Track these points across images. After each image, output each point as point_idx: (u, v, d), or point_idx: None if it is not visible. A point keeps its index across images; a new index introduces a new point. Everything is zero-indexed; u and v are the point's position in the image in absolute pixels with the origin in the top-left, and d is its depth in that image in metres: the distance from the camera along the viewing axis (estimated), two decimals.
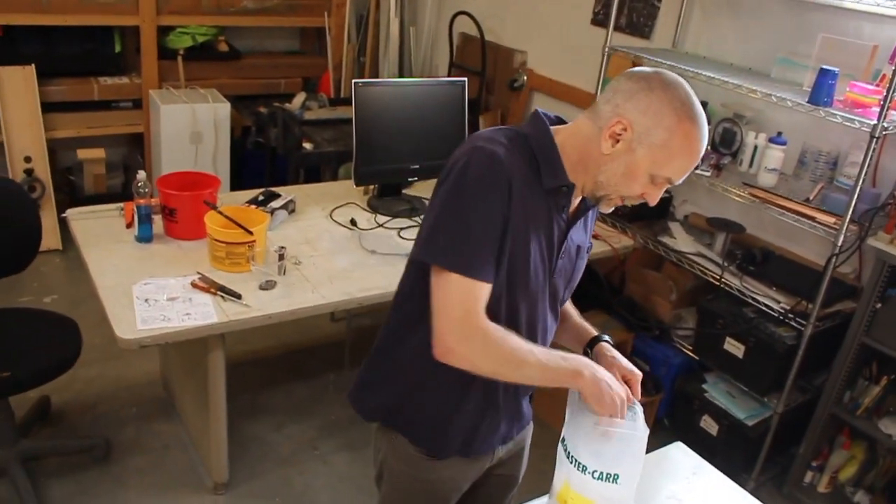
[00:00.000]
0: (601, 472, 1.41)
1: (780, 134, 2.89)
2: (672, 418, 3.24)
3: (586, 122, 1.42)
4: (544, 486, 1.56)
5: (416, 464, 1.63)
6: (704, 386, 3.08)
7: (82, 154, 3.96)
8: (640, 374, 1.58)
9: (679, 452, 2.03)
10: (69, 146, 4.07)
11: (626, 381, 1.55)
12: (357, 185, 2.98)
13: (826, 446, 2.96)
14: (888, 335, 2.65)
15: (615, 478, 1.41)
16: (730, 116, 3.12)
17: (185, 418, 2.97)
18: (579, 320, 1.74)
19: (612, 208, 1.47)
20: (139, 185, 2.60)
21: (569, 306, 1.76)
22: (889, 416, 2.75)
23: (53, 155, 4.16)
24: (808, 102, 2.62)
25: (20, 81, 3.66)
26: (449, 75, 4.32)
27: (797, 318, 2.71)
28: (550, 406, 2.32)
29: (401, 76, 4.51)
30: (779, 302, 2.78)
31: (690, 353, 3.14)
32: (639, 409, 1.49)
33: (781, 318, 2.75)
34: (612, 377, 1.45)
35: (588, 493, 1.43)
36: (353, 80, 2.85)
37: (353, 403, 1.67)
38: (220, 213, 2.53)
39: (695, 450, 3.09)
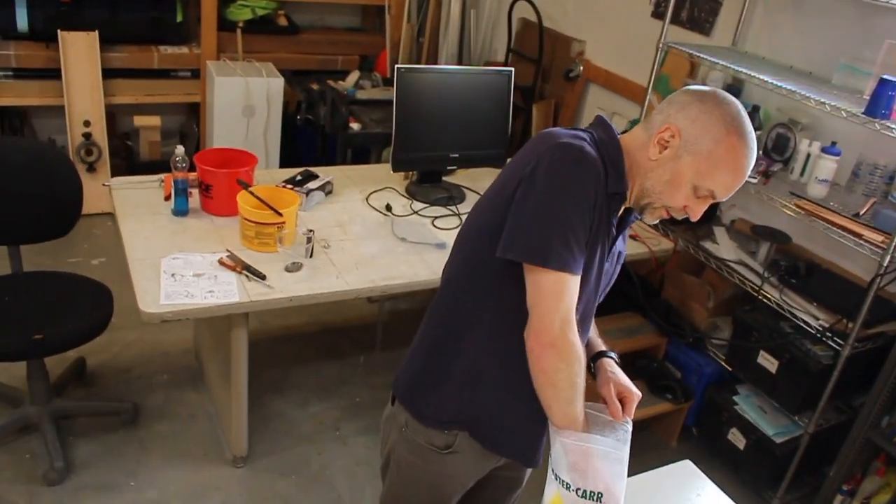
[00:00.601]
0: (584, 491, 1.40)
1: (834, 144, 2.76)
2: (700, 427, 3.16)
3: (640, 131, 1.47)
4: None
5: (426, 456, 1.64)
6: (735, 398, 2.99)
7: (138, 121, 4.06)
8: (638, 393, 1.57)
9: (686, 471, 1.98)
10: (128, 112, 4.18)
11: (621, 399, 1.54)
12: (394, 170, 2.98)
13: (860, 471, 2.85)
14: None
15: (598, 496, 1.40)
16: (784, 122, 2.99)
17: (211, 390, 3.04)
18: (592, 333, 1.73)
19: (657, 220, 1.49)
20: (177, 159, 2.65)
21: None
22: None
23: (113, 120, 4.29)
24: (864, 114, 2.49)
25: (83, 47, 3.76)
26: (506, 61, 4.26)
27: (835, 338, 2.60)
28: None
29: (460, 59, 4.47)
30: (818, 319, 2.67)
31: (724, 364, 3.05)
32: (627, 428, 1.46)
33: (819, 335, 2.64)
34: None
35: None
36: (396, 66, 2.83)
37: (409, 409, 1.63)
38: (252, 193, 2.55)
39: (720, 462, 3.06)
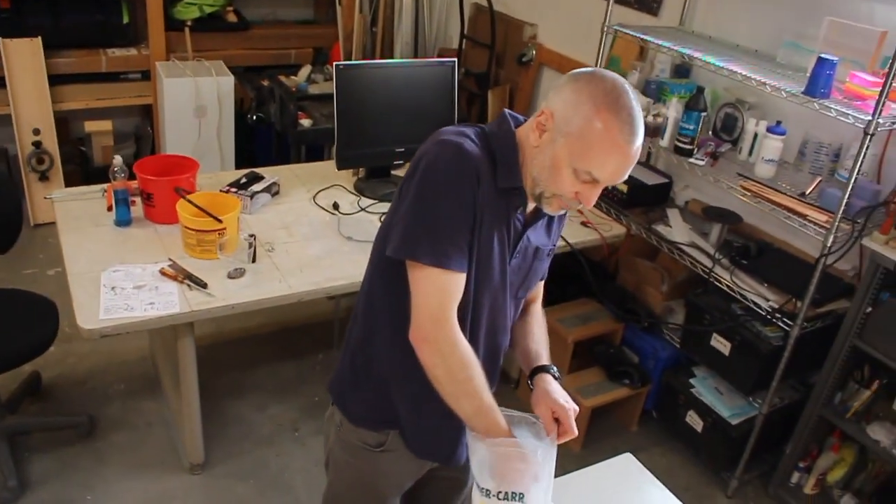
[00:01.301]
0: (505, 493, 1.40)
1: (779, 123, 2.74)
2: (659, 411, 3.17)
3: (531, 120, 1.43)
4: None
5: (359, 454, 1.65)
6: (692, 381, 3.00)
7: (90, 126, 4.00)
8: (573, 407, 1.51)
9: (628, 465, 1.98)
10: (80, 117, 4.12)
11: (556, 417, 1.48)
12: (339, 168, 2.95)
13: (815, 447, 2.87)
14: (879, 339, 2.52)
15: (520, 497, 1.40)
16: (732, 101, 2.98)
17: (167, 397, 3.02)
18: (536, 346, 1.67)
19: (558, 211, 1.46)
20: (115, 169, 2.61)
21: (536, 328, 1.71)
22: (878, 422, 2.63)
23: (66, 126, 4.23)
24: (803, 93, 2.47)
25: (27, 54, 3.70)
26: (460, 48, 4.21)
27: (784, 319, 2.60)
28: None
29: (415, 47, 4.42)
30: (767, 300, 2.67)
31: (679, 347, 3.06)
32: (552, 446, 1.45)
33: (769, 317, 2.64)
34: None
35: None
36: (335, 63, 2.79)
37: (341, 409, 1.65)
38: (189, 201, 2.53)
39: (680, 444, 3.08)
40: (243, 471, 2.80)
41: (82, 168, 4.17)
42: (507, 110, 1.50)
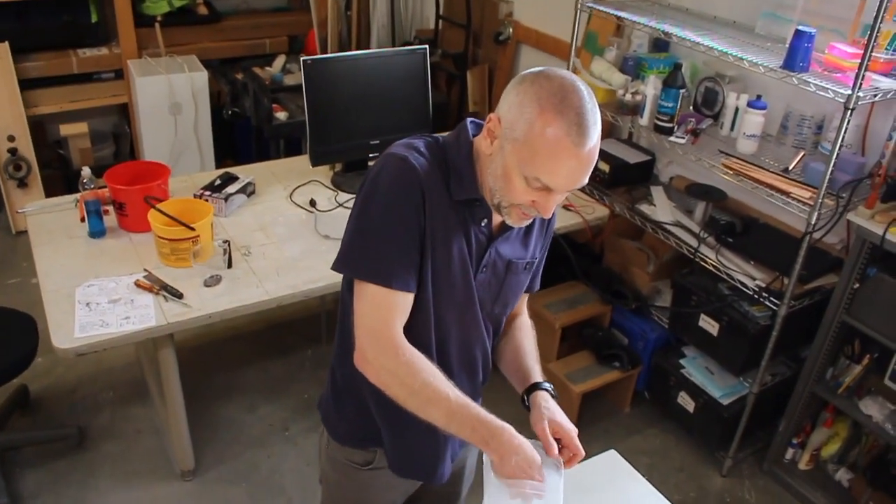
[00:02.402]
0: None
1: (759, 97, 2.68)
2: (651, 392, 3.15)
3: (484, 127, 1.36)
4: None
5: (348, 473, 1.63)
6: (682, 361, 2.97)
7: (65, 130, 3.94)
8: (573, 430, 1.45)
9: (611, 462, 1.95)
10: (57, 121, 4.05)
11: (557, 438, 1.43)
12: (314, 165, 2.90)
13: (809, 423, 2.85)
14: (868, 314, 2.49)
15: None
16: (712, 76, 2.91)
17: (155, 404, 3.00)
18: (527, 361, 1.60)
19: (521, 222, 1.37)
20: (84, 180, 2.57)
21: (525, 342, 1.64)
22: (870, 396, 2.61)
23: (42, 131, 4.17)
24: (781, 67, 2.41)
25: None
26: (436, 28, 4.14)
27: (772, 297, 2.57)
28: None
29: (392, 30, 4.34)
30: (754, 279, 2.63)
31: (668, 328, 3.02)
32: (558, 463, 1.41)
33: (756, 296, 2.60)
34: (527, 449, 1.32)
35: None
36: (302, 58, 2.73)
37: (327, 427, 1.64)
38: (160, 210, 2.48)
39: (673, 424, 3.06)
40: (235, 474, 2.79)
41: (62, 172, 4.11)
42: (469, 118, 1.43)
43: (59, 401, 3.05)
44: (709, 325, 2.78)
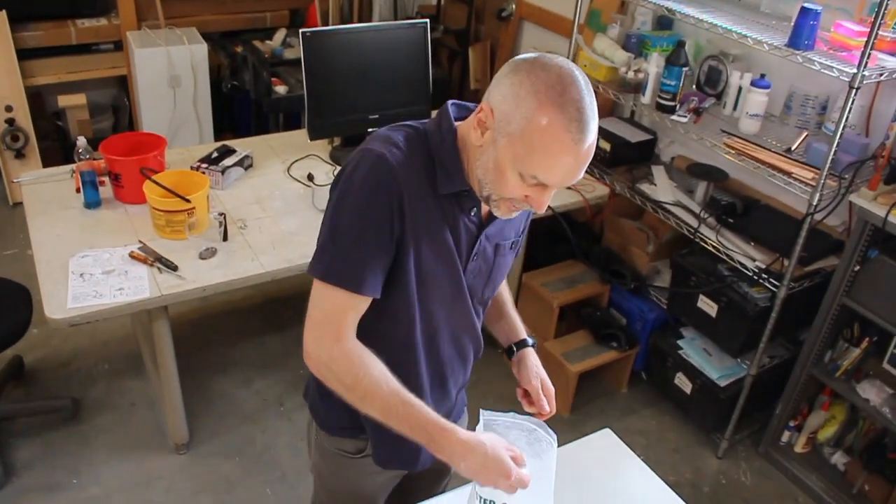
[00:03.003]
0: None
1: (763, 76, 2.64)
2: (648, 372, 3.14)
3: (474, 113, 1.27)
4: None
5: (340, 462, 1.60)
6: (680, 342, 2.96)
7: (63, 101, 3.91)
8: (553, 389, 1.58)
9: (606, 441, 1.93)
10: (56, 92, 4.02)
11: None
12: (312, 139, 2.87)
13: (806, 406, 2.83)
14: (869, 297, 2.47)
15: None
16: (715, 54, 2.87)
17: (150, 377, 3.00)
18: (511, 314, 1.66)
19: (510, 214, 1.31)
20: (80, 150, 2.55)
21: (506, 297, 1.68)
22: (868, 380, 2.59)
23: (41, 102, 4.14)
24: (786, 46, 2.38)
25: None
26: (438, 4, 4.09)
27: (771, 279, 2.54)
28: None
29: (394, 5, 4.29)
30: (754, 260, 2.61)
31: (666, 309, 3.01)
32: (551, 440, 1.39)
33: (755, 277, 2.58)
34: (498, 454, 1.27)
35: None
36: (301, 31, 2.69)
37: (315, 419, 1.61)
38: (155, 182, 2.46)
39: (671, 405, 3.05)
40: (229, 448, 2.78)
41: (60, 144, 4.09)
42: (450, 102, 1.36)
43: (54, 372, 3.04)
44: (707, 305, 2.76)
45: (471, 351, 1.57)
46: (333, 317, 1.28)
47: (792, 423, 2.83)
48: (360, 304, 1.29)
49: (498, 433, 1.38)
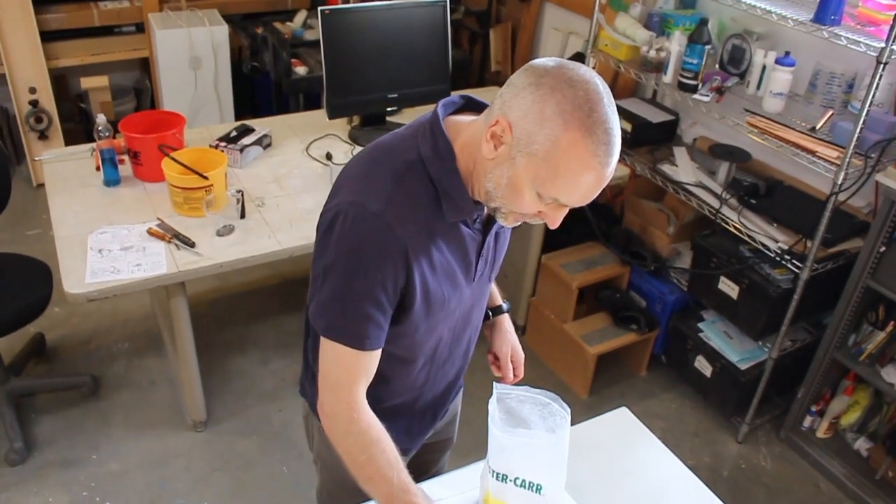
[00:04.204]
0: (522, 480, 1.32)
1: (787, 54, 2.59)
2: (668, 355, 3.10)
3: (482, 119, 1.21)
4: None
5: None
6: (701, 325, 2.92)
7: (86, 83, 3.93)
8: (523, 355, 1.69)
9: (623, 420, 1.91)
10: (80, 74, 4.05)
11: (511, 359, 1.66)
12: (330, 117, 2.85)
13: (828, 391, 2.79)
14: (894, 279, 2.42)
15: (538, 488, 1.32)
16: (739, 32, 2.82)
17: (169, 355, 3.01)
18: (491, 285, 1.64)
19: (515, 224, 1.27)
20: (100, 128, 2.55)
21: None
22: (893, 364, 2.54)
23: (64, 84, 4.17)
24: (812, 21, 2.33)
25: (16, 10, 3.60)
26: None
27: (794, 261, 2.50)
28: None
29: None
30: (777, 241, 2.56)
31: (686, 291, 2.97)
32: (564, 413, 1.37)
33: (778, 259, 2.54)
34: None
35: (511, 501, 1.35)
36: (319, 8, 2.68)
37: (314, 411, 1.57)
38: (173, 158, 2.46)
39: (690, 389, 3.01)
40: (246, 427, 2.80)
41: (83, 126, 4.12)
42: (439, 106, 1.27)
43: (75, 350, 3.07)
44: (728, 287, 2.72)
45: (473, 342, 1.58)
46: (351, 383, 1.28)
47: (814, 408, 2.78)
48: (374, 361, 1.29)
49: (511, 407, 1.37)
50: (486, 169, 1.18)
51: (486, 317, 1.64)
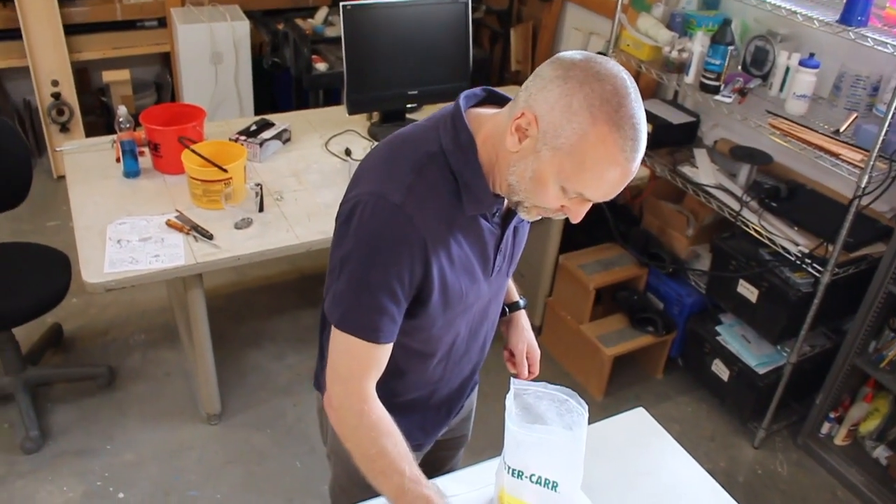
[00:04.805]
0: (538, 477, 1.31)
1: (812, 55, 2.57)
2: (685, 358, 3.08)
3: (505, 112, 1.20)
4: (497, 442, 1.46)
5: None
6: (718, 328, 2.89)
7: (107, 76, 3.96)
8: (539, 352, 1.68)
9: (639, 420, 1.89)
10: (101, 67, 4.08)
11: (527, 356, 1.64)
12: (350, 113, 2.86)
13: (847, 397, 2.76)
14: None
15: (554, 485, 1.31)
16: (763, 34, 2.80)
17: (185, 348, 3.02)
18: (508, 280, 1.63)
19: (536, 218, 1.26)
20: (121, 119, 2.57)
21: None
22: None
23: (87, 77, 4.20)
24: (838, 22, 2.31)
25: (41, 4, 3.63)
26: None
27: (815, 264, 2.47)
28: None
29: None
30: (797, 245, 2.54)
31: (704, 294, 2.94)
32: (581, 411, 1.35)
33: (798, 262, 2.51)
34: None
35: (526, 497, 1.33)
36: (341, 3, 2.69)
37: (317, 388, 1.60)
38: (193, 150, 2.47)
39: (707, 393, 2.99)
40: (260, 420, 2.80)
41: (105, 119, 4.14)
42: (461, 98, 1.26)
43: (92, 341, 3.09)
44: (747, 290, 2.69)
45: (489, 340, 1.57)
46: (362, 375, 1.26)
47: (832, 415, 2.75)
48: (381, 353, 1.27)
49: (528, 403, 1.36)
50: (510, 162, 1.17)
51: (503, 313, 1.63)
